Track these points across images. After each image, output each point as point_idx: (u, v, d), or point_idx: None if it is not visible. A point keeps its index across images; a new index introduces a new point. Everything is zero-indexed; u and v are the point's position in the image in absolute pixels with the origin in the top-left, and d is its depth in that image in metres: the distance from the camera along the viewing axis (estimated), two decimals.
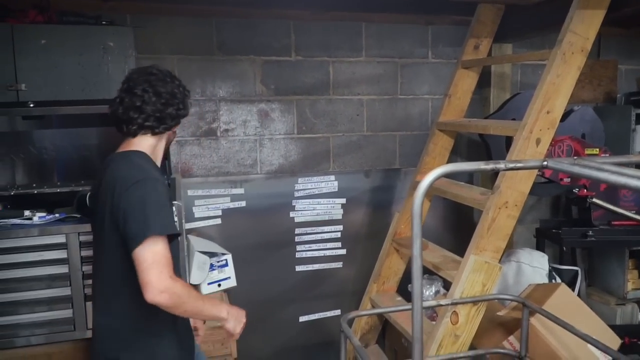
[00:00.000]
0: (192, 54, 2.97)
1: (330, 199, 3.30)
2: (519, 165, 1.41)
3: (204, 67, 3.01)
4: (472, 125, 2.85)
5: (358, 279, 3.37)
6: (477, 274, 2.37)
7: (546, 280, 2.91)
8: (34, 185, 2.52)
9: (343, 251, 3.37)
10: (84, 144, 2.60)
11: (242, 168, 3.14)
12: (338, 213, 3.33)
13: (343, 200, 3.32)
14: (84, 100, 2.50)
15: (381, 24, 3.26)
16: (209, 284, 2.75)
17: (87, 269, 2.20)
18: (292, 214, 3.24)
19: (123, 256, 1.58)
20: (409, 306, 2.74)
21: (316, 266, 3.33)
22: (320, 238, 3.30)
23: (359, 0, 2.96)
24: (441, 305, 2.38)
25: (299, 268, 3.29)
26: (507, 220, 2.40)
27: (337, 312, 3.40)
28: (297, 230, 3.26)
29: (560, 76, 2.35)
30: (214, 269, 2.75)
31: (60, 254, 2.17)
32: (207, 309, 1.67)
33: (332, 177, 3.29)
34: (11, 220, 2.25)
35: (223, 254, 2.80)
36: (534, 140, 2.36)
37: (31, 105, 2.25)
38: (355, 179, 3.35)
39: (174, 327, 1.74)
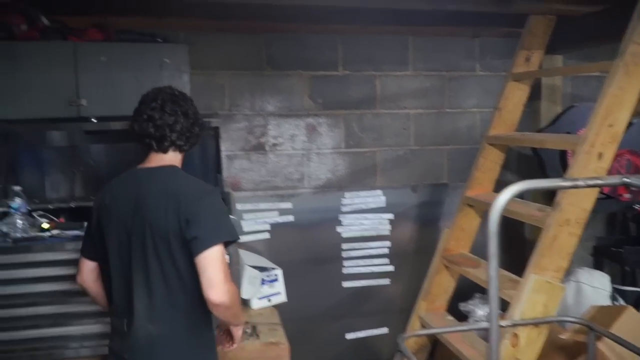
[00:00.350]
0: (242, 69, 3.01)
1: (378, 214, 3.27)
2: (598, 182, 1.36)
3: (253, 82, 3.04)
4: (526, 139, 2.78)
5: (406, 297, 3.31)
6: (538, 294, 2.29)
7: (608, 302, 2.79)
8: (92, 197, 2.57)
9: (391, 267, 3.32)
10: (138, 159, 2.64)
11: (289, 182, 3.14)
12: (385, 228, 3.29)
13: (391, 216, 3.29)
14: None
15: (428, 37, 3.25)
16: (259, 298, 2.74)
17: None
18: (339, 229, 3.22)
19: (184, 264, 1.64)
20: (470, 326, 2.68)
21: (363, 282, 3.29)
22: (367, 254, 3.27)
23: (405, 14, 2.94)
24: (501, 326, 2.30)
25: (345, 284, 3.26)
26: (569, 238, 2.32)
27: (385, 330, 3.34)
28: (344, 246, 3.24)
29: (623, 88, 2.27)
30: (264, 284, 2.73)
31: None
32: (241, 313, 1.84)
33: (379, 192, 3.26)
34: (72, 231, 2.29)
35: (273, 269, 2.79)
36: (595, 154, 2.28)
37: (94, 120, 2.30)
38: (403, 194, 3.31)
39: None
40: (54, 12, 2.62)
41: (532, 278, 2.30)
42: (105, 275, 1.81)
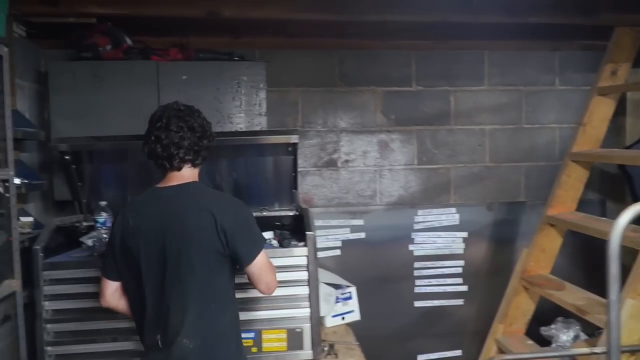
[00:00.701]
0: (315, 86, 3.02)
1: (451, 233, 3.18)
2: None
3: (326, 99, 3.05)
4: (616, 156, 2.64)
5: (481, 318, 3.19)
6: (635, 320, 2.15)
7: None
8: None
9: (464, 288, 3.21)
10: (217, 175, 2.68)
11: (361, 199, 3.11)
12: (459, 247, 3.19)
13: (465, 234, 3.19)
14: (218, 132, 2.58)
15: (504, 52, 3.17)
16: (333, 316, 2.70)
17: None
18: (411, 247, 3.15)
19: (221, 277, 1.73)
20: (560, 352, 2.55)
21: (436, 302, 3.19)
22: (440, 273, 3.18)
23: (482, 28, 2.88)
24: (595, 353, 2.17)
25: (417, 304, 3.18)
26: None
27: (458, 352, 3.23)
28: (416, 264, 3.16)
29: None
30: (338, 302, 2.70)
31: None
32: None
33: (453, 210, 3.17)
34: None
35: (347, 287, 2.75)
36: None
37: None
38: (477, 212, 3.21)
39: None
40: (136, 33, 2.72)
41: (629, 303, 2.15)
42: (130, 293, 1.83)
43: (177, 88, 2.58)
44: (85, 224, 2.55)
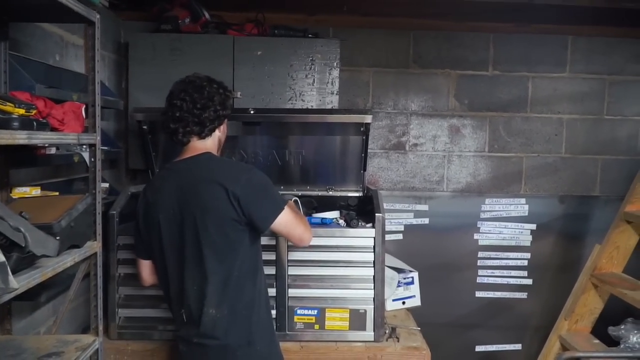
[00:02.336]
0: (388, 67, 2.97)
1: (519, 224, 3.09)
2: None
3: (398, 80, 2.99)
4: None
5: (544, 313, 3.10)
6: None
7: None
8: None
9: (529, 281, 3.12)
10: (286, 151, 2.69)
11: (427, 184, 3.05)
12: (526, 239, 3.10)
13: (533, 226, 3.09)
14: (290, 109, 2.60)
15: (590, 37, 3.01)
16: (393, 300, 2.68)
17: (292, 272, 2.24)
18: (476, 236, 3.08)
19: (242, 246, 1.73)
20: (633, 353, 2.45)
21: (498, 294, 3.12)
22: (504, 264, 3.10)
23: (568, 11, 2.74)
24: None
25: (479, 294, 3.11)
26: None
27: (518, 346, 3.16)
28: (480, 254, 3.09)
29: None
30: (400, 286, 2.67)
31: (269, 256, 2.23)
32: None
33: (523, 201, 3.07)
34: None
35: (410, 271, 2.72)
36: None
37: (251, 112, 2.37)
38: (548, 204, 3.10)
39: None
40: (213, 7, 2.75)
41: None
42: (157, 270, 1.87)
43: (251, 63, 2.60)
44: None
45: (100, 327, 1.82)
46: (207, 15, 2.71)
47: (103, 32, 2.59)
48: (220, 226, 1.70)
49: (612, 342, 2.82)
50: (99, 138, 1.85)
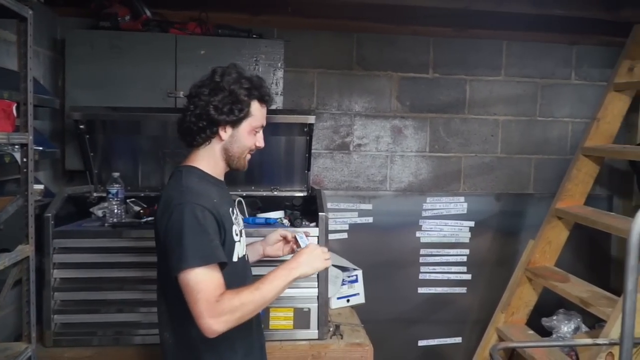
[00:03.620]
0: (332, 68, 3.01)
1: (458, 221, 3.20)
2: None
3: (342, 82, 3.04)
4: (629, 152, 2.65)
5: (482, 307, 3.22)
6: None
7: None
8: None
9: (468, 276, 3.24)
10: None
11: (371, 184, 3.11)
12: (465, 236, 3.21)
13: (471, 224, 3.21)
14: None
15: (523, 43, 3.15)
16: (338, 298, 2.73)
17: None
18: (418, 234, 3.17)
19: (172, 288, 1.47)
20: (563, 342, 2.58)
21: (439, 289, 3.22)
22: (445, 261, 3.20)
23: (502, 17, 2.87)
24: (598, 344, 2.20)
25: (421, 290, 3.20)
26: None
27: (458, 339, 3.27)
28: (422, 251, 3.18)
29: None
30: (344, 284, 2.72)
31: None
32: (271, 290, 1.48)
33: (462, 199, 3.18)
34: None
35: (354, 270, 2.77)
36: None
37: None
38: (486, 202, 3.23)
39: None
40: (155, 5, 2.70)
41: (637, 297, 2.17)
42: None
43: (194, 63, 2.57)
44: (96, 194, 2.56)
45: (34, 335, 1.76)
46: (148, 13, 2.66)
47: (38, 28, 2.50)
48: (158, 252, 1.57)
49: (546, 332, 2.97)
50: (31, 137, 1.80)
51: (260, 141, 1.66)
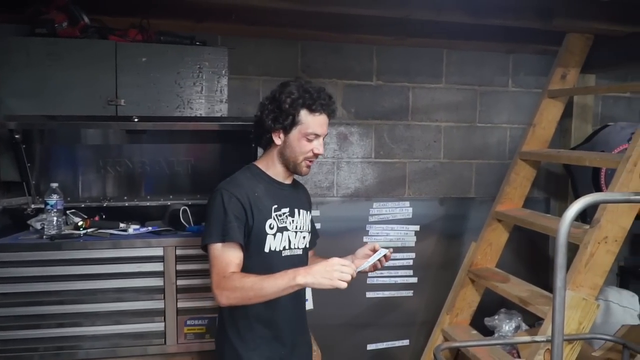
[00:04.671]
0: (277, 76, 3.00)
1: (404, 226, 3.26)
2: None
3: None
4: (563, 156, 2.78)
5: (428, 309, 3.29)
6: (573, 311, 2.27)
7: (637, 322, 2.77)
8: (125, 197, 2.57)
9: (414, 279, 3.30)
10: (174, 160, 2.64)
11: (318, 190, 3.14)
12: (411, 240, 3.28)
13: (417, 227, 3.28)
14: (179, 117, 2.56)
15: (462, 51, 3.26)
16: None
17: (182, 283, 2.21)
18: (365, 239, 3.21)
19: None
20: (503, 340, 2.67)
21: (387, 293, 3.27)
22: (392, 265, 3.25)
23: (442, 26, 2.96)
24: (536, 341, 2.29)
25: (369, 294, 3.24)
26: (606, 256, 2.31)
27: (406, 342, 3.32)
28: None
29: None
30: None
31: (157, 267, 2.19)
32: (272, 286, 1.62)
33: (407, 204, 3.25)
34: (108, 230, 2.29)
35: None
36: (637, 173, 2.27)
37: (135, 119, 2.30)
38: (430, 206, 3.31)
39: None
40: (94, 12, 2.63)
41: (569, 295, 2.27)
42: None
43: (136, 70, 2.52)
44: (33, 206, 2.47)
45: None
46: (86, 19, 2.59)
47: None
48: None
49: (489, 332, 3.07)
50: None
51: (317, 148, 1.82)
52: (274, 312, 1.81)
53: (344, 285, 1.59)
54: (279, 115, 1.77)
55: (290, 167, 1.84)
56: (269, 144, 1.85)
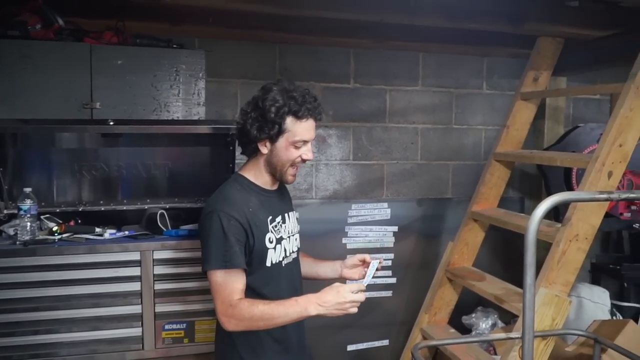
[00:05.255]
0: (255, 79, 3.01)
1: (383, 227, 3.29)
2: (630, 196, 1.40)
3: None
4: (536, 157, 2.84)
5: (407, 309, 3.33)
6: (547, 307, 2.33)
7: (608, 317, 2.85)
8: (101, 202, 2.55)
9: (393, 280, 3.34)
10: (151, 163, 2.63)
11: (297, 192, 3.15)
12: (390, 241, 3.31)
13: (395, 228, 3.31)
14: (155, 120, 2.55)
15: (438, 54, 3.31)
16: None
17: (159, 287, 2.20)
18: (344, 240, 3.23)
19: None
20: (479, 338, 2.71)
21: (366, 294, 3.23)
22: None
23: (418, 30, 3.00)
24: (511, 338, 2.34)
25: None
26: (578, 253, 2.36)
27: (385, 342, 3.35)
28: (348, 257, 3.23)
29: (634, 110, 2.34)
30: None
31: (134, 271, 2.17)
32: (285, 316, 1.65)
33: (385, 205, 3.28)
34: (84, 235, 2.27)
35: None
36: (606, 173, 2.34)
37: (111, 123, 2.29)
38: (408, 207, 3.35)
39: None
40: (68, 14, 2.61)
41: (542, 292, 2.33)
42: None
43: (111, 73, 2.50)
44: (6, 211, 2.43)
45: None
46: (61, 21, 2.56)
47: None
48: None
49: (467, 330, 3.11)
50: None
51: (306, 154, 1.76)
52: (285, 328, 1.78)
53: (355, 310, 1.70)
54: (264, 125, 1.69)
55: (277, 176, 1.79)
56: (254, 153, 1.78)
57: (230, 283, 1.64)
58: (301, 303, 1.66)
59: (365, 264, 1.98)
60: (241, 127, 1.75)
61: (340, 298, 1.65)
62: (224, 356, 1.83)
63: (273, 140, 1.72)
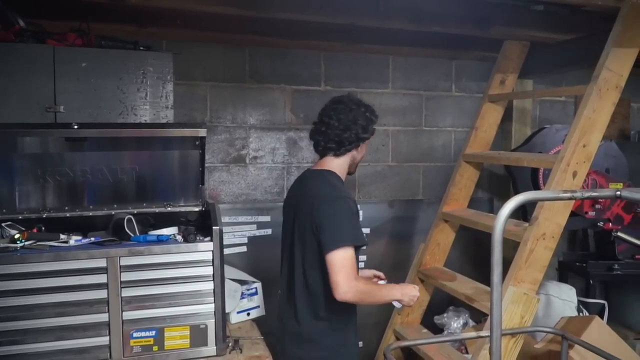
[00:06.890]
0: (225, 82, 3.00)
1: None
2: (593, 194, 1.43)
3: (236, 95, 3.03)
4: (503, 158, 2.88)
5: (380, 310, 3.32)
6: (515, 305, 2.36)
7: (575, 313, 2.91)
8: (66, 208, 2.48)
9: None
10: (118, 168, 2.57)
11: (269, 195, 3.13)
12: None
13: (367, 230, 3.31)
14: (122, 124, 2.49)
15: (408, 58, 3.34)
16: (238, 312, 2.70)
17: (127, 294, 2.15)
18: None
19: (319, 260, 1.94)
20: (450, 337, 2.73)
21: None
22: None
23: (387, 33, 3.02)
24: (481, 337, 2.36)
25: None
26: (545, 251, 2.41)
27: (359, 343, 3.34)
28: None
29: (596, 111, 2.40)
30: (244, 297, 2.70)
31: (100, 279, 2.12)
32: (384, 297, 2.07)
33: (358, 207, 3.27)
34: (47, 242, 2.20)
35: (253, 282, 2.76)
36: (570, 173, 2.39)
37: (75, 127, 2.23)
38: (380, 209, 3.36)
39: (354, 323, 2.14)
40: (30, 15, 2.54)
41: (511, 290, 2.37)
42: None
43: (76, 76, 2.44)
44: None
45: None
46: (22, 23, 2.49)
47: None
48: (305, 241, 2.00)
49: (439, 329, 3.14)
50: None
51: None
52: (356, 311, 2.15)
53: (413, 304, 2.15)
54: (370, 128, 2.09)
55: (352, 170, 2.16)
56: (349, 151, 2.07)
57: (354, 258, 1.91)
58: (397, 288, 2.08)
59: (379, 278, 2.33)
60: (346, 130, 2.02)
61: (414, 292, 2.09)
62: (322, 332, 2.04)
63: (366, 140, 2.12)
